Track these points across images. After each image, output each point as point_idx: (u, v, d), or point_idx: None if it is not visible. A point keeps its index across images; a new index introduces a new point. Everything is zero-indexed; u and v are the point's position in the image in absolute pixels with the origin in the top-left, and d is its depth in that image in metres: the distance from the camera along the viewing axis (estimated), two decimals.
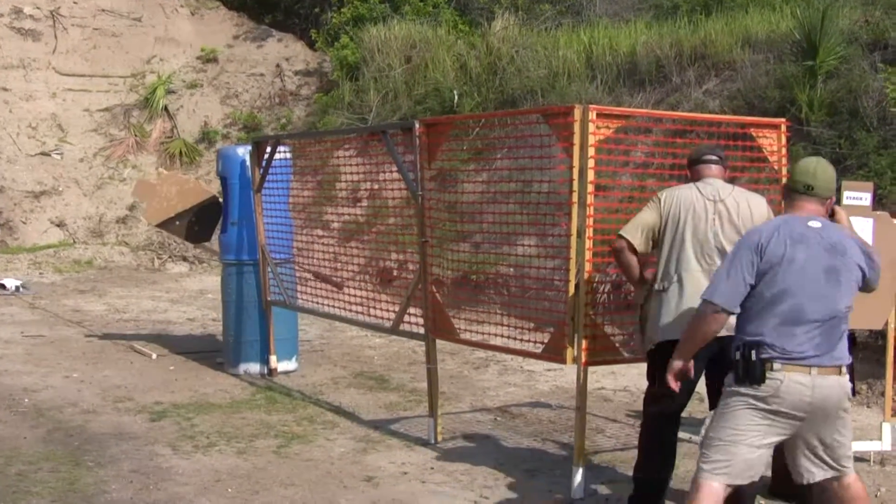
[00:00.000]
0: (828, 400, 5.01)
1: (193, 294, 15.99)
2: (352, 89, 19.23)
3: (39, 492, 6.76)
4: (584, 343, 6.61)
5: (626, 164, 12.05)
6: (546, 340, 7.04)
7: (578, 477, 6.71)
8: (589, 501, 6.69)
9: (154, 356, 11.29)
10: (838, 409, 5.08)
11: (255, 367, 10.46)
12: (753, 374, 5.01)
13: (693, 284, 5.98)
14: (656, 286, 6.16)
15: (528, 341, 7.34)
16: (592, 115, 6.44)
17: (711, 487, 5.09)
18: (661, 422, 6.21)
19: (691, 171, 6.41)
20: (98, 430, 8.35)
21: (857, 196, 7.46)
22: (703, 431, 5.23)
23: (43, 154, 20.17)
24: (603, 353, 6.78)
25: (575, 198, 6.54)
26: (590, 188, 6.50)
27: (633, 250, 6.21)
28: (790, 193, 5.34)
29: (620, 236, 6.22)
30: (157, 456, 7.63)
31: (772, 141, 7.42)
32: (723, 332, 6.01)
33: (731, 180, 6.56)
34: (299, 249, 10.56)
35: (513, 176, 10.51)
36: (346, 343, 12.47)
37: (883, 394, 8.14)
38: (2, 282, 16.09)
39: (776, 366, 4.98)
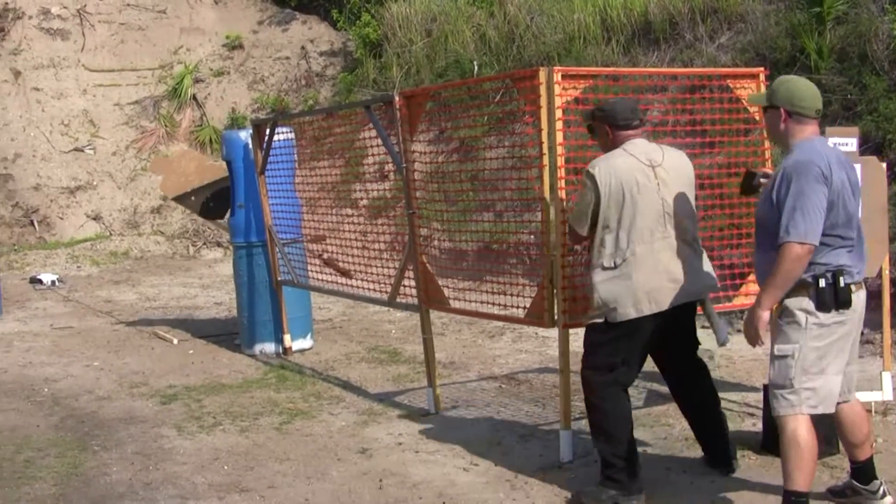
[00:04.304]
0: (862, 310, 5.44)
1: (225, 279, 16.10)
2: (375, 66, 19.31)
3: (43, 476, 6.93)
4: (563, 305, 6.64)
5: (644, 123, 12.03)
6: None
7: (566, 440, 6.77)
8: (578, 463, 6.73)
9: (175, 341, 11.45)
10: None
11: (270, 347, 10.60)
12: (844, 299, 5.21)
13: (651, 257, 5.89)
14: (605, 262, 5.96)
15: (519, 307, 7.35)
16: (557, 77, 6.45)
17: (809, 422, 5.27)
18: (618, 389, 6.13)
19: (613, 134, 6.12)
20: (109, 415, 8.51)
21: (844, 142, 7.42)
22: (791, 371, 5.26)
23: (76, 150, 20.44)
24: (584, 315, 6.77)
25: (545, 161, 6.55)
26: (559, 150, 6.49)
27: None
28: (800, 118, 5.34)
29: (573, 228, 6.18)
30: (161, 437, 7.77)
31: (751, 91, 7.39)
32: (683, 300, 6.01)
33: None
34: (317, 230, 10.63)
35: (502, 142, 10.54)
36: (366, 319, 12.56)
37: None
38: (38, 277, 16.34)
39: (853, 287, 5.26)
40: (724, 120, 7.64)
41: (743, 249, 7.36)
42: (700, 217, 6.77)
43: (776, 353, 5.35)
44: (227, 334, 11.63)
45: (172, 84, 21.29)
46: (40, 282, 16.12)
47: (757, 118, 7.51)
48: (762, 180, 5.78)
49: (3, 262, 17.20)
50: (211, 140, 20.66)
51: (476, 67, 16.66)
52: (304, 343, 10.76)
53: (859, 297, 5.32)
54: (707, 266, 6.15)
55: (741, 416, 7.70)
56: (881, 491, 5.73)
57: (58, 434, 8.01)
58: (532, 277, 7.64)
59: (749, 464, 6.62)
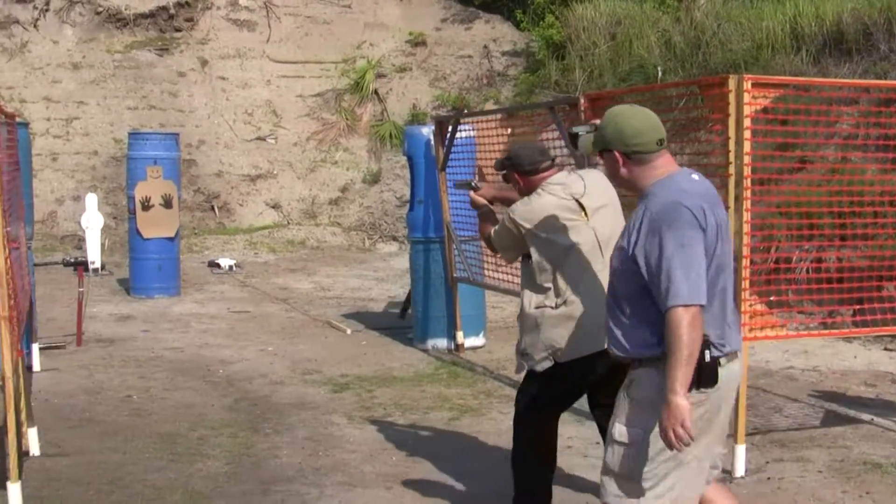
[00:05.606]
0: (734, 385, 4.37)
1: (399, 273, 16.26)
2: (557, 68, 19.29)
3: (216, 455, 7.11)
4: (742, 319, 6.49)
5: (832, 136, 11.75)
6: None
7: (739, 455, 6.63)
8: (751, 479, 6.59)
9: (349, 331, 11.61)
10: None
11: (442, 343, 10.67)
12: (708, 376, 4.12)
13: (593, 292, 5.51)
14: (549, 303, 5.61)
15: None
16: (747, 85, 6.30)
17: None
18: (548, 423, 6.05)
19: (525, 180, 5.74)
20: (281, 400, 8.68)
21: None
22: (631, 461, 4.22)
23: (258, 139, 20.91)
24: (763, 330, 6.62)
25: (732, 169, 6.40)
26: (746, 160, 6.34)
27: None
28: (641, 157, 4.27)
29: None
30: (332, 425, 7.88)
31: None
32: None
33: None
34: None
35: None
36: None
37: None
38: (216, 261, 16.76)
39: (722, 361, 4.19)
40: None
41: None
42: (890, 235, 6.56)
43: (615, 436, 4.27)
44: (401, 328, 11.73)
45: (355, 78, 21.61)
46: (218, 266, 16.56)
47: None
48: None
49: (183, 245, 17.68)
50: (391, 135, 20.88)
51: (660, 73, 16.49)
52: (477, 341, 10.79)
53: (730, 371, 4.24)
54: None
55: None
56: None
57: (231, 415, 8.20)
58: None
59: None
